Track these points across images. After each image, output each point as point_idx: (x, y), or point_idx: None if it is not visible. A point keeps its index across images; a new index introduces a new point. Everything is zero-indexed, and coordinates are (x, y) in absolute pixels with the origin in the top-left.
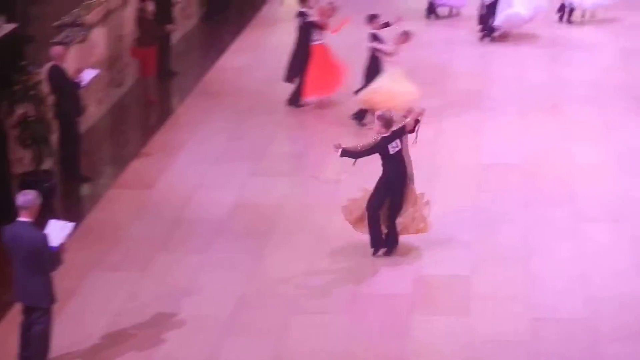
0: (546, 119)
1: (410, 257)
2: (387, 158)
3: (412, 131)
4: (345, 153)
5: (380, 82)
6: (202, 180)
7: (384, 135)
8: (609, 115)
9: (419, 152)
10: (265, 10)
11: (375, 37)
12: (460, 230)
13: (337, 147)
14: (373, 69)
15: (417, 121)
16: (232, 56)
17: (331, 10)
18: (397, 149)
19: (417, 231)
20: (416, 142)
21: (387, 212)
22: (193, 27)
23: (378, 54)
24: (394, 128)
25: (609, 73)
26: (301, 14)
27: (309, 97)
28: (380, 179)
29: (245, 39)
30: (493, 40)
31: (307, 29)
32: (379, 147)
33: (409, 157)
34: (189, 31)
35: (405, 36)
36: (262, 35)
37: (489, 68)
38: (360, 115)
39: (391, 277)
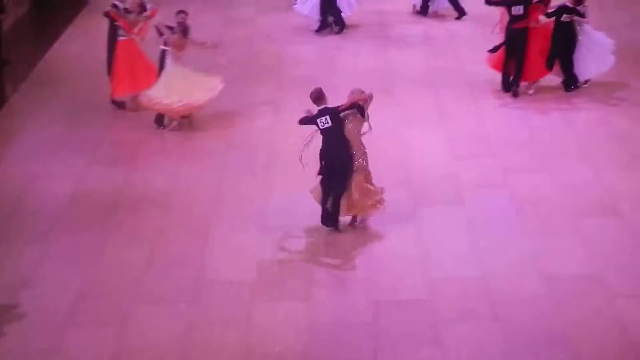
0: (380, 104)
1: (253, 244)
2: (320, 133)
3: (343, 111)
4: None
5: (155, 88)
6: (39, 170)
7: (318, 108)
8: (442, 100)
9: (260, 138)
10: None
11: (159, 31)
12: (306, 217)
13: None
14: (161, 66)
15: (358, 105)
16: (66, 44)
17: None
18: (326, 125)
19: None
20: (370, 131)
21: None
22: (24, 15)
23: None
24: (327, 105)
25: (442, 60)
26: (113, 6)
27: (118, 95)
28: None
29: (78, 26)
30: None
31: (113, 24)
32: (310, 120)
33: (358, 143)
34: (20, 18)
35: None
36: (96, 23)
37: (326, 57)
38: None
39: (234, 264)
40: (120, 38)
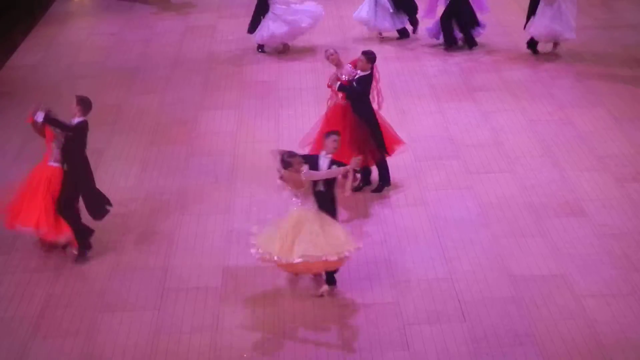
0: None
1: (217, 250)
2: None
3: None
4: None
5: None
6: (0, 180)
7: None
8: (403, 103)
9: (223, 143)
10: (55, 6)
11: None
12: (264, 221)
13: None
14: None
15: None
16: (23, 54)
17: None
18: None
19: None
20: None
21: None
22: None
23: None
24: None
25: (402, 63)
26: None
27: None
28: None
29: (36, 36)
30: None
31: None
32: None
33: None
34: None
35: None
36: (55, 31)
37: (287, 62)
38: None
39: (199, 270)
40: None
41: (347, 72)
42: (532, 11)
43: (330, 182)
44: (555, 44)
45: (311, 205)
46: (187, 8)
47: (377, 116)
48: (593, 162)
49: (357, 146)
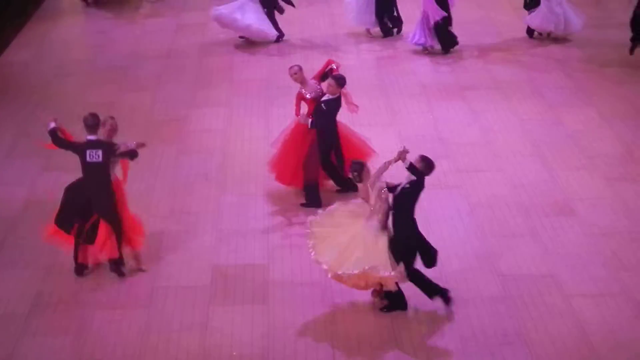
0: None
1: (207, 248)
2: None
3: None
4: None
5: None
6: None
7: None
8: (394, 102)
9: (213, 141)
10: (47, 3)
11: None
12: (260, 220)
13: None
14: None
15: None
16: (15, 51)
17: None
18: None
19: None
20: None
21: None
22: None
23: None
24: None
25: (393, 62)
26: None
27: None
28: None
29: (28, 33)
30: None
31: None
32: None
33: None
34: None
35: None
36: (46, 29)
37: (277, 59)
38: None
39: (189, 268)
40: None
41: (312, 88)
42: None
43: (398, 207)
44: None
45: (376, 222)
46: (178, 6)
47: (345, 134)
48: (583, 161)
49: (305, 167)
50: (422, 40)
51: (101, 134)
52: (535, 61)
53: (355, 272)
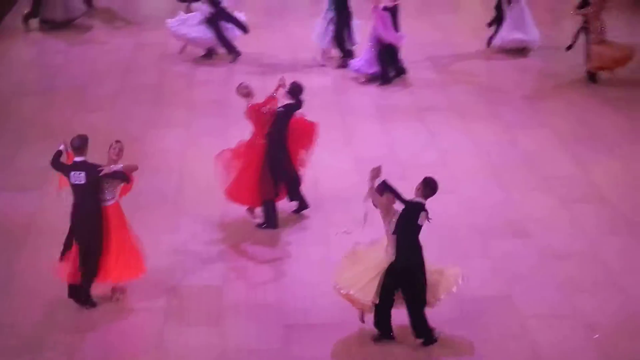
0: None
1: (164, 269)
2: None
3: None
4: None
5: None
6: None
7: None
8: (351, 123)
9: (172, 162)
10: (7, 21)
11: None
12: (216, 241)
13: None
14: None
15: None
16: None
17: None
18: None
19: None
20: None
21: None
22: None
23: None
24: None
25: (349, 83)
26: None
27: None
28: None
29: None
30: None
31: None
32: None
33: None
34: None
35: None
36: (5, 48)
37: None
38: None
39: (144, 289)
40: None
41: (266, 105)
42: (497, 21)
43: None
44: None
45: (392, 248)
46: (137, 25)
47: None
48: (538, 182)
49: (259, 184)
50: (366, 69)
51: (107, 158)
52: (492, 82)
53: (342, 292)
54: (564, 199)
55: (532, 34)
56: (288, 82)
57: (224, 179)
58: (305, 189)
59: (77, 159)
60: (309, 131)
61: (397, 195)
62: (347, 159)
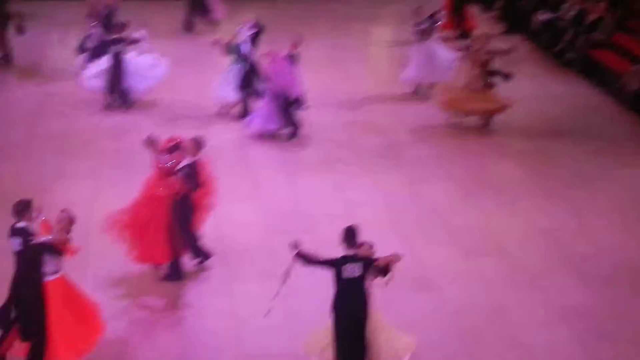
0: None
1: None
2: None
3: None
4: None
5: None
6: None
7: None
8: (257, 176)
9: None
10: None
11: None
12: (114, 294)
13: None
14: None
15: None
16: None
17: None
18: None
19: None
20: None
21: None
22: None
23: None
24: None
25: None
26: None
27: None
28: None
29: None
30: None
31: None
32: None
33: None
34: None
35: None
36: None
37: (143, 128)
38: None
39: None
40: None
41: (165, 159)
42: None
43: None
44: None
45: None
46: (45, 75)
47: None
48: (443, 235)
49: (170, 239)
50: (270, 126)
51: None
52: (398, 133)
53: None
54: (467, 251)
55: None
56: (193, 136)
57: (122, 243)
58: (210, 241)
59: (19, 224)
60: (209, 186)
61: (313, 262)
62: (253, 212)
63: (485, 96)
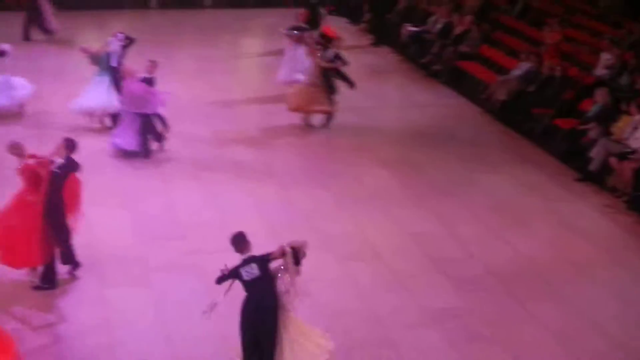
0: None
1: None
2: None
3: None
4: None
5: None
6: None
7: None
8: (128, 181)
9: None
10: None
11: None
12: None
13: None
14: None
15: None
16: None
17: None
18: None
19: None
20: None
21: None
22: None
23: None
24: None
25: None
26: None
27: None
28: None
29: None
30: None
31: None
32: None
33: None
34: None
35: None
36: None
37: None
38: None
39: None
40: None
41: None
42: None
43: None
44: None
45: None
46: None
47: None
48: (315, 241)
49: (41, 245)
50: (126, 146)
51: None
52: (268, 142)
53: None
54: (339, 257)
55: None
56: (65, 137)
57: None
58: (79, 249)
59: None
60: (77, 191)
61: (223, 279)
62: (123, 218)
63: (319, 97)
